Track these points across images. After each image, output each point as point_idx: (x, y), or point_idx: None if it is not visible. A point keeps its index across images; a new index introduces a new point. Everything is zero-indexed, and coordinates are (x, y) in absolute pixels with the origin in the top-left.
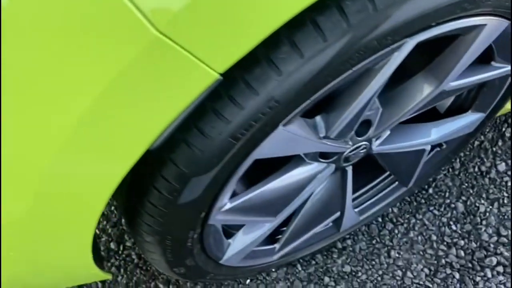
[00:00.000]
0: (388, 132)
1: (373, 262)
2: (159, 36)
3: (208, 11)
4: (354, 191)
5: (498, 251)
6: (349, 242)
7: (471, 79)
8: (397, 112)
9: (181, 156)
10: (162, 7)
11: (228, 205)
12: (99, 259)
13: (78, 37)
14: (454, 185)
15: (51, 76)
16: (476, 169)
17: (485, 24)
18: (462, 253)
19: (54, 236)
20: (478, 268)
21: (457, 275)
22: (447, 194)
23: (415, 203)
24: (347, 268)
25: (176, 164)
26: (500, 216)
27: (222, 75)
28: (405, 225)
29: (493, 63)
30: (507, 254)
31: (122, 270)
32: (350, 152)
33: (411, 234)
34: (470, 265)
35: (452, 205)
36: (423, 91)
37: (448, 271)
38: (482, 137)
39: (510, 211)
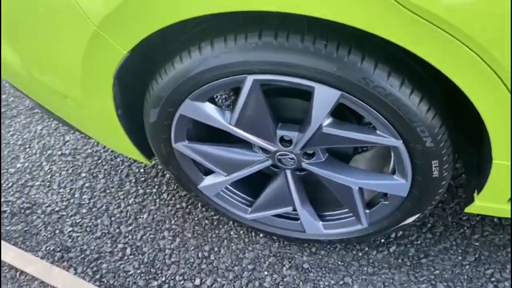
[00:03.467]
0: (322, 159)
1: (327, 274)
2: (97, 29)
3: (124, 14)
4: (329, 209)
5: None
6: (323, 252)
7: (353, 134)
8: (302, 140)
9: (148, 96)
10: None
11: (186, 142)
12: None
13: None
14: (444, 268)
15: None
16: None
17: (313, 87)
18: None
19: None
20: None
21: None
22: (436, 272)
23: (399, 261)
24: (306, 265)
25: (147, 100)
26: None
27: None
28: (375, 269)
29: (377, 131)
30: None
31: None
32: (279, 155)
33: (374, 277)
34: None
35: (433, 282)
36: (306, 129)
37: None
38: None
39: None
